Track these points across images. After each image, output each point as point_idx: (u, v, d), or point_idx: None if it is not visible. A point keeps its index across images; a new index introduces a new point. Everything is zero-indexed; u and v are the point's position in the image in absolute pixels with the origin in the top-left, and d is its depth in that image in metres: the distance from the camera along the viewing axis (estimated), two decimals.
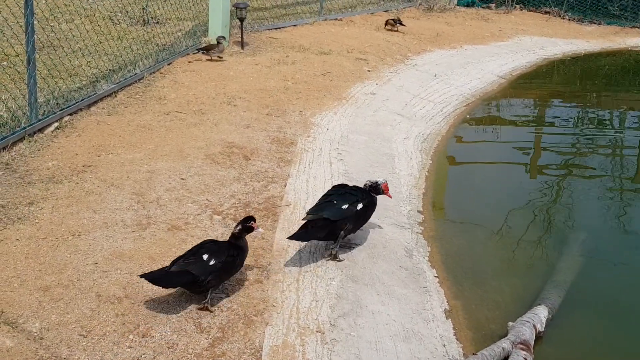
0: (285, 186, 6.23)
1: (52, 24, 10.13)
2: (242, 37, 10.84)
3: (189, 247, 4.92)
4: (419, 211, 6.31)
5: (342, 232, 4.89)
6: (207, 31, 10.91)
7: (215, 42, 10.04)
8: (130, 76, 8.60)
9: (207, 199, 5.78)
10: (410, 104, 9.27)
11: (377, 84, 9.71)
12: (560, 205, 6.93)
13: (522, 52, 13.15)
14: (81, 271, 4.50)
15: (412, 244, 5.60)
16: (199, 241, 5.02)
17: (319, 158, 6.97)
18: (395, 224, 5.85)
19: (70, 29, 9.95)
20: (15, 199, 5.40)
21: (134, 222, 5.22)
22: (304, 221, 4.89)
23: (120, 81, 8.32)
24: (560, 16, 16.26)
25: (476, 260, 5.64)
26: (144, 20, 11.54)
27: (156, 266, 4.64)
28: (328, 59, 10.40)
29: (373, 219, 5.77)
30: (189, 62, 9.84)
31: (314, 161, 6.88)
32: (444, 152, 8.09)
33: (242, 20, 10.78)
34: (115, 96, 8.10)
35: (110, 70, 8.70)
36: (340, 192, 5.04)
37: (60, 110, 7.11)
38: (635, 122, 10.68)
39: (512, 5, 16.31)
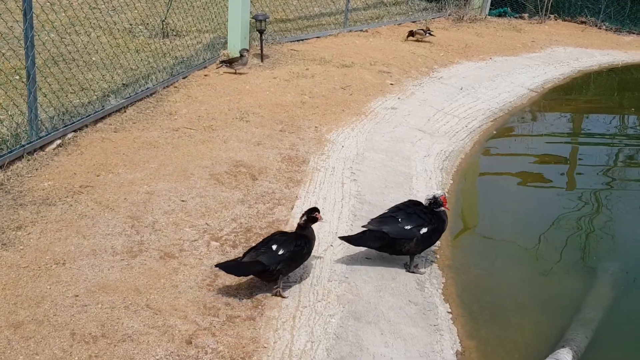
0: (292, 209, 5.85)
1: (71, 37, 9.96)
2: (261, 50, 10.53)
3: (179, 277, 4.60)
4: None
5: (406, 248, 4.96)
6: (227, 44, 10.63)
7: (239, 55, 9.76)
8: (142, 90, 8.33)
9: (206, 223, 5.43)
10: (433, 119, 8.82)
11: (399, 98, 9.28)
12: (593, 231, 6.41)
13: (555, 63, 12.57)
14: (59, 305, 4.17)
15: (425, 275, 5.16)
16: (191, 270, 4.70)
17: (330, 178, 6.57)
18: None
19: (88, 41, 9.76)
20: (4, 222, 5.12)
21: (125, 249, 4.89)
22: (364, 229, 4.98)
23: (130, 96, 8.06)
24: (596, 26, 15.61)
25: (495, 293, 5.16)
26: (163, 32, 11.32)
27: (141, 300, 4.29)
28: (349, 72, 10.01)
29: None
30: (206, 75, 9.55)
31: (325, 181, 6.49)
32: (466, 171, 7.61)
33: (261, 32, 10.46)
34: (125, 111, 7.83)
35: (123, 84, 8.46)
36: (409, 210, 5.07)
37: (64, 126, 6.85)
38: None
39: (546, 14, 15.72)
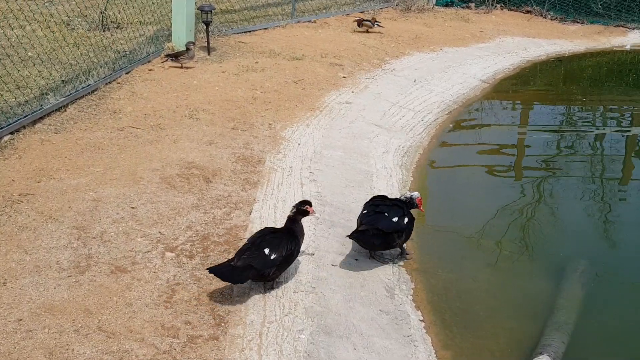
0: (250, 213, 5.54)
1: (4, 31, 9.34)
2: (208, 42, 10.12)
3: (134, 293, 4.25)
4: None
5: (397, 242, 5.03)
6: (171, 36, 10.18)
7: (185, 48, 9.33)
8: (83, 87, 7.85)
9: (159, 232, 5.07)
10: (388, 113, 8.61)
11: (353, 92, 9.03)
12: (556, 224, 6.32)
13: (505, 54, 12.54)
14: (0, 331, 3.77)
15: (393, 280, 4.93)
16: (146, 286, 4.35)
17: (288, 178, 6.28)
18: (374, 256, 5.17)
19: (23, 35, 9.17)
20: None
21: (71, 264, 4.49)
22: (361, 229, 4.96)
23: (70, 93, 7.57)
24: (542, 15, 15.69)
25: (466, 298, 4.97)
26: (103, 25, 10.77)
27: (92, 322, 3.93)
28: (301, 65, 9.71)
29: (350, 250, 5.14)
30: (150, 70, 9.10)
31: (284, 182, 6.19)
32: (425, 168, 7.43)
33: (207, 24, 10.05)
34: (65, 110, 7.35)
35: (62, 81, 7.95)
36: (388, 202, 5.12)
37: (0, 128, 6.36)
38: (622, 123, 10.14)
39: (492, 4, 15.71)
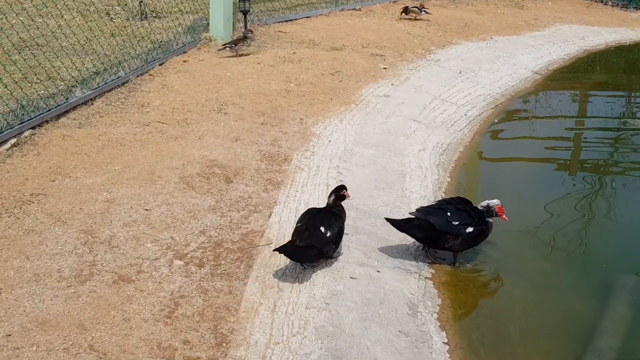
0: (269, 217, 5.22)
1: (43, 19, 9.25)
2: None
3: (134, 307, 3.98)
4: None
5: (450, 244, 4.87)
6: (209, 26, 9.93)
7: (242, 36, 9.18)
8: (113, 80, 7.66)
9: (171, 237, 4.80)
10: (429, 107, 8.15)
11: (392, 84, 8.60)
12: (610, 232, 5.78)
13: (560, 42, 11.86)
14: None
15: (418, 296, 4.53)
16: (148, 298, 4.08)
17: (314, 179, 5.93)
18: (399, 268, 4.79)
19: (59, 25, 9.05)
20: None
21: (73, 273, 4.26)
22: (411, 215, 4.92)
23: (99, 86, 7.38)
24: (602, 2, 14.87)
25: (498, 317, 4.53)
26: (141, 14, 10.61)
27: (84, 339, 3.68)
28: (339, 56, 9.32)
29: (372, 261, 4.76)
30: (185, 61, 8.88)
31: (308, 183, 5.85)
32: (465, 167, 6.95)
33: (245, 13, 9.78)
34: (92, 104, 7.17)
35: (94, 72, 7.78)
36: (460, 206, 4.99)
37: (20, 123, 6.19)
38: None
39: None
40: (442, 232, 4.81)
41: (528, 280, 4.96)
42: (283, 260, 4.61)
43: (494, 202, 5.08)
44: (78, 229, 4.75)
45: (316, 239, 4.39)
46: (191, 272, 4.41)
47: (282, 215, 5.23)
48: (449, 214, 4.85)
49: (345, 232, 4.79)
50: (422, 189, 6.09)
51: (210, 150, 6.21)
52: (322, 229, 4.48)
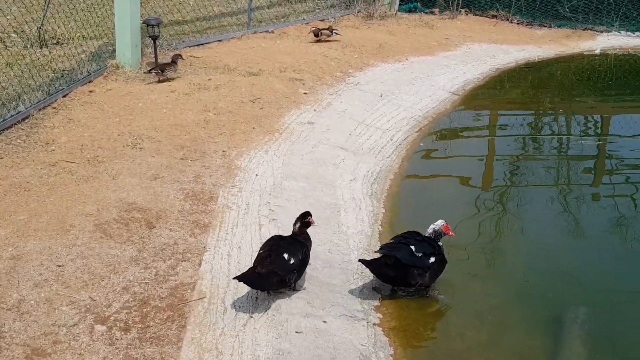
0: (199, 265, 4.76)
1: None
2: (156, 58, 9.30)
3: None
4: (374, 288, 4.90)
5: (418, 280, 4.71)
6: (115, 52, 9.32)
7: (170, 61, 8.77)
8: (12, 116, 6.98)
9: (89, 297, 4.26)
10: (354, 133, 7.89)
11: (315, 110, 8.29)
12: (551, 259, 5.63)
13: (473, 62, 11.92)
14: None
15: (369, 347, 4.18)
16: None
17: (245, 218, 5.51)
18: (346, 315, 4.43)
19: None
20: None
21: None
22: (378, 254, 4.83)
23: None
24: (508, 20, 15.12)
25: None
26: (41, 41, 9.86)
27: None
28: (258, 81, 8.94)
29: (317, 310, 4.39)
30: (91, 91, 8.24)
31: (239, 223, 5.42)
32: (398, 196, 6.70)
33: (154, 38, 9.24)
34: None
35: None
36: (418, 237, 4.86)
37: None
38: (593, 129, 9.65)
39: (456, 9, 15.12)
40: (409, 266, 4.64)
41: (479, 320, 4.70)
42: (219, 316, 4.17)
43: (438, 223, 5.01)
44: None
45: (279, 266, 4.32)
46: (116, 339, 3.90)
47: (213, 263, 4.78)
48: (412, 247, 4.71)
49: None
50: (359, 223, 5.78)
51: (127, 192, 5.67)
52: (286, 255, 4.41)
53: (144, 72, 8.89)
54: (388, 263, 4.69)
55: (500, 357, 4.34)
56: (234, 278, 4.26)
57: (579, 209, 6.65)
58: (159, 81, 8.63)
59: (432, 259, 4.75)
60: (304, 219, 4.75)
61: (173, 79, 8.75)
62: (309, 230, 4.80)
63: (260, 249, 4.53)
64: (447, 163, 7.93)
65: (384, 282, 4.83)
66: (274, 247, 4.47)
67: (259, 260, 4.38)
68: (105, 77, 8.82)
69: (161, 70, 8.68)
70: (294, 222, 4.78)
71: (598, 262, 5.65)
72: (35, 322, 3.97)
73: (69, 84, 8.16)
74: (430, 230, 4.99)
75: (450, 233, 5.03)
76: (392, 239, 4.98)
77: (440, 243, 4.96)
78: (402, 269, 4.66)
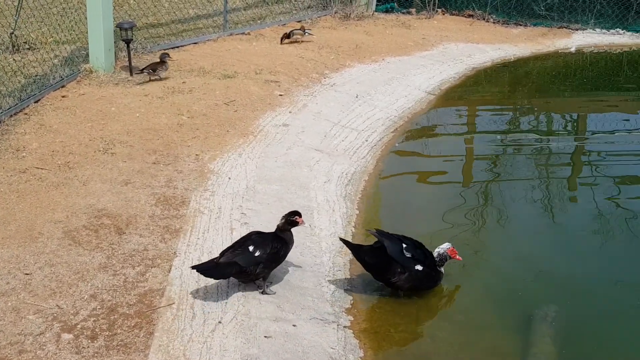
0: (169, 271, 4.73)
1: None
2: (129, 62, 9.23)
3: None
4: (346, 290, 4.90)
5: (395, 278, 4.68)
6: (88, 57, 9.24)
7: (159, 60, 8.84)
8: None
9: (57, 305, 4.22)
10: (330, 134, 7.88)
11: (290, 112, 8.28)
12: (524, 258, 5.65)
13: (449, 61, 11.96)
14: None
15: (339, 350, 4.18)
16: None
17: (216, 223, 5.48)
18: (316, 318, 4.42)
19: None
20: None
21: None
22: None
23: None
24: (484, 19, 15.19)
25: None
26: (13, 46, 9.76)
27: None
28: (233, 84, 8.91)
29: (287, 314, 4.37)
30: (63, 96, 8.17)
31: (210, 228, 5.39)
32: (372, 197, 6.70)
33: (128, 42, 9.17)
34: None
35: None
36: (417, 243, 4.87)
37: None
38: (570, 127, 9.73)
39: (433, 9, 15.16)
40: (392, 260, 4.64)
41: (449, 321, 4.71)
42: (188, 322, 4.14)
43: (444, 246, 4.95)
44: None
45: (240, 257, 4.34)
46: (83, 347, 3.86)
47: (183, 269, 4.75)
48: (404, 245, 4.74)
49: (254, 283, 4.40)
50: (332, 225, 5.78)
51: (98, 198, 5.63)
52: (251, 248, 4.41)
53: (136, 73, 8.93)
54: (374, 247, 4.72)
55: (472, 357, 4.35)
56: (191, 267, 4.35)
57: (555, 207, 6.69)
58: (150, 80, 8.72)
59: (419, 267, 4.73)
60: (291, 217, 4.68)
61: (166, 78, 8.78)
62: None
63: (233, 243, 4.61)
64: (423, 163, 7.93)
65: (364, 269, 4.84)
66: (242, 240, 4.53)
67: (222, 251, 4.47)
68: (79, 81, 8.75)
69: (153, 70, 8.69)
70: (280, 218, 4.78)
71: (571, 260, 5.67)
72: (0, 331, 3.92)
73: (41, 90, 8.08)
74: (435, 254, 4.93)
75: (457, 257, 4.95)
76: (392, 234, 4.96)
77: (441, 270, 4.93)
78: (384, 260, 4.65)
